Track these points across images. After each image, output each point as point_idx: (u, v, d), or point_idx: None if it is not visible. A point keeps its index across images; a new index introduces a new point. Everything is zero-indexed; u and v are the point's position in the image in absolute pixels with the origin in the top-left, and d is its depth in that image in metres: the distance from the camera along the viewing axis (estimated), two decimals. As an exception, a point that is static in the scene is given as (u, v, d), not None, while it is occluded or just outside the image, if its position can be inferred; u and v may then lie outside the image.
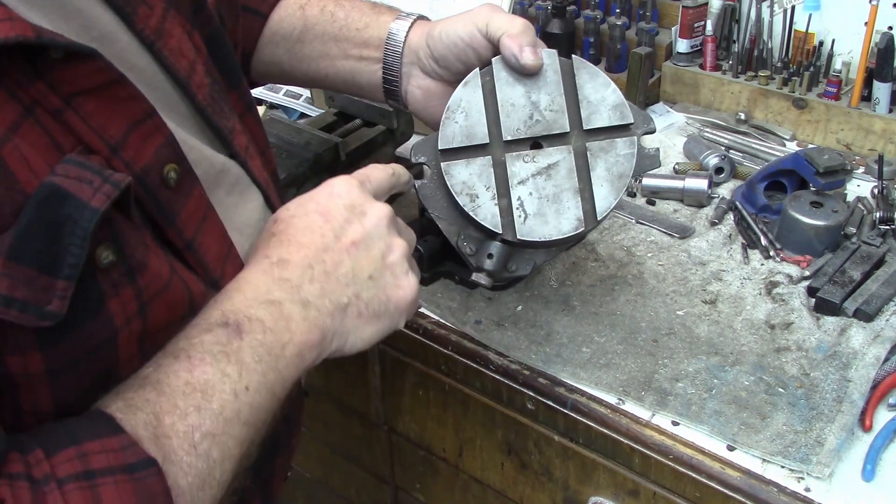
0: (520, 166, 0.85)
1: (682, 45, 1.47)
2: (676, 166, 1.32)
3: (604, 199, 0.85)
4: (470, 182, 0.85)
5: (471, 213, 0.84)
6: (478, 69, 0.87)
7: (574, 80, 0.86)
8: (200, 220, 0.67)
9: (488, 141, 0.85)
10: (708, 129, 1.41)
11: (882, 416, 0.90)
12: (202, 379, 0.59)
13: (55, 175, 0.53)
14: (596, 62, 1.54)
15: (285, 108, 1.54)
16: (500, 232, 0.84)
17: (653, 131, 0.88)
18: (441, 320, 1.05)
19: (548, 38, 1.51)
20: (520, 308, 1.06)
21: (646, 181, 1.26)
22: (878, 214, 1.15)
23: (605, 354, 0.98)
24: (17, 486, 0.51)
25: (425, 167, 0.87)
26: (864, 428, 0.89)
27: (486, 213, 0.84)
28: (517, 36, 0.84)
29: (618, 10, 1.52)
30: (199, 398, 0.59)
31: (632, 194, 1.27)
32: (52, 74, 0.55)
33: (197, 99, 0.71)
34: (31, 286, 0.51)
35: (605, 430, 0.93)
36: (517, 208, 0.84)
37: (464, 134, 0.85)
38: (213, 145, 0.74)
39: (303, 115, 1.52)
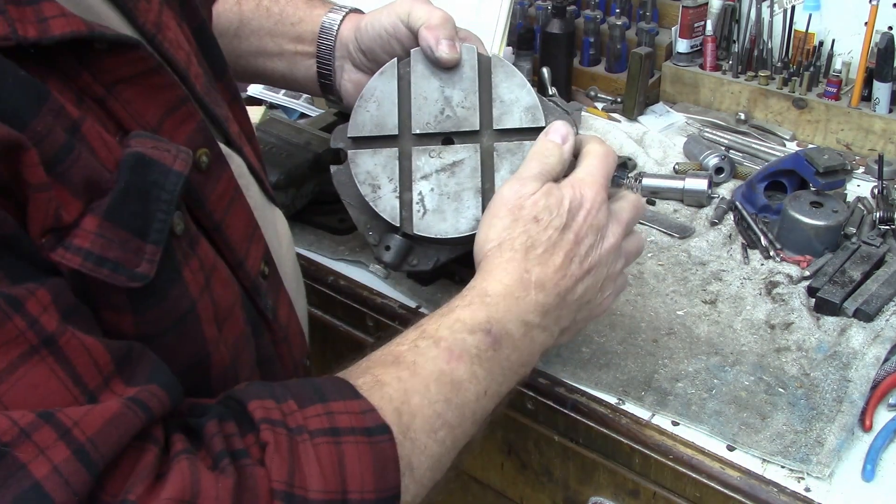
0: (425, 161, 0.83)
1: (682, 45, 1.47)
2: (676, 166, 1.31)
3: None
4: (374, 172, 0.83)
5: (371, 204, 0.83)
6: (395, 59, 0.86)
7: (490, 79, 0.85)
8: (229, 203, 0.69)
9: (397, 133, 0.84)
10: (708, 129, 1.41)
11: (882, 416, 0.90)
12: (457, 374, 0.65)
13: (132, 147, 0.55)
14: (596, 62, 1.54)
15: (285, 108, 1.54)
16: (399, 225, 0.83)
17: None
18: (441, 320, 1.05)
19: (548, 38, 1.51)
20: (520, 308, 1.06)
21: (646, 181, 1.26)
22: (878, 214, 1.15)
23: (605, 354, 0.98)
24: (277, 433, 0.56)
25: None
26: (864, 428, 0.89)
27: (387, 205, 0.83)
28: (435, 28, 0.84)
29: (618, 10, 1.52)
30: (449, 390, 0.64)
31: (632, 194, 1.27)
32: (95, 65, 0.56)
33: (196, 89, 0.71)
34: (124, 248, 0.54)
35: (605, 431, 0.93)
36: (417, 203, 0.83)
37: (374, 123, 0.84)
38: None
39: (303, 115, 1.52)
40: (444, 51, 0.83)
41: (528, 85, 0.85)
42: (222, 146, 0.75)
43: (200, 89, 0.72)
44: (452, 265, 1.09)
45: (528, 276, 0.73)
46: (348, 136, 0.85)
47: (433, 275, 1.09)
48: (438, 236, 0.83)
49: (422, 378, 0.63)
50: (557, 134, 0.80)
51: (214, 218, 0.67)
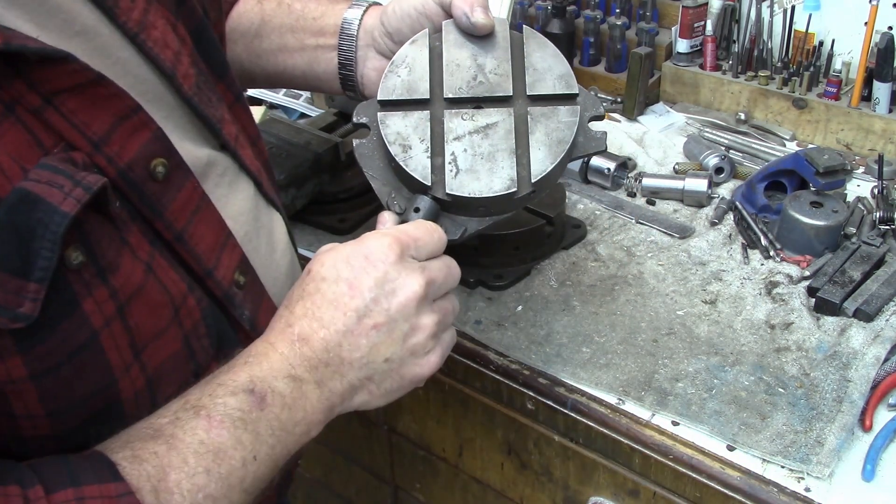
0: (457, 123, 0.83)
1: (682, 45, 1.47)
2: (676, 166, 1.31)
3: (540, 162, 0.82)
4: (405, 133, 0.83)
5: (401, 164, 0.81)
6: (427, 30, 0.87)
7: (523, 49, 0.86)
8: (193, 212, 0.68)
9: (429, 97, 0.84)
10: (708, 129, 1.41)
11: (882, 416, 0.90)
12: (217, 441, 0.60)
13: (27, 180, 0.54)
14: (596, 62, 1.54)
15: (285, 108, 1.54)
16: (430, 185, 0.81)
17: (601, 116, 0.86)
18: (441, 320, 1.05)
19: (548, 39, 1.51)
20: (520, 308, 1.06)
21: (646, 181, 1.26)
22: (878, 214, 1.15)
23: (605, 354, 0.98)
24: None
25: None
26: (864, 428, 0.89)
27: (418, 164, 0.82)
28: None
29: (618, 10, 1.52)
30: (210, 460, 0.60)
31: (632, 194, 1.27)
32: (30, 74, 0.55)
33: (183, 89, 0.71)
34: (3, 289, 0.52)
35: (605, 430, 0.93)
36: (450, 163, 0.81)
37: (405, 87, 0.84)
38: (202, 135, 0.74)
39: (303, 115, 1.52)
40: (479, 16, 0.84)
41: (561, 56, 0.86)
42: (209, 150, 0.74)
43: (189, 90, 0.71)
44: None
45: (290, 329, 0.68)
46: (378, 98, 0.84)
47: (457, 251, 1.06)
48: (472, 195, 0.81)
49: (179, 451, 0.59)
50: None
51: (175, 228, 0.66)
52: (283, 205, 0.89)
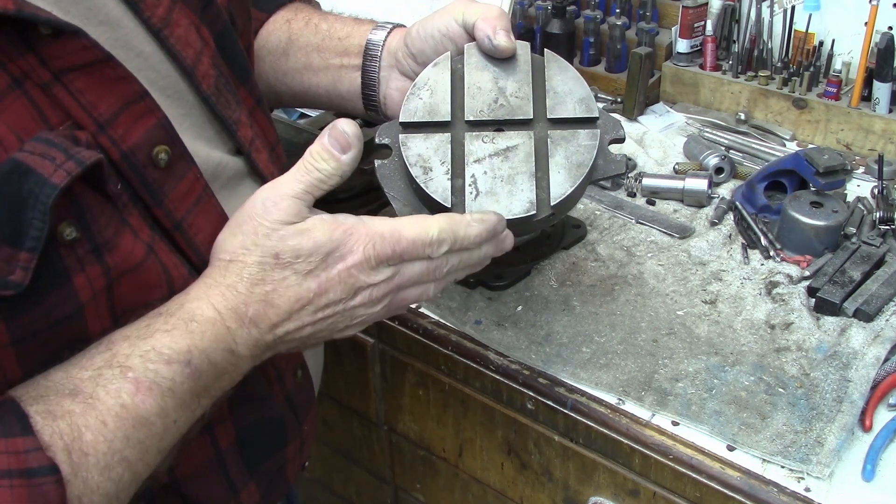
0: (478, 146, 0.84)
1: (682, 45, 1.47)
2: (676, 166, 1.31)
3: (560, 185, 0.83)
4: (426, 155, 0.83)
5: (422, 185, 0.82)
6: (449, 52, 0.87)
7: (544, 73, 0.87)
8: (194, 203, 0.69)
9: (450, 119, 0.85)
10: (708, 129, 1.41)
11: (882, 416, 0.90)
12: (141, 408, 0.59)
13: (22, 151, 0.54)
14: (596, 62, 1.54)
15: (285, 108, 1.54)
16: (450, 207, 0.82)
17: (622, 139, 0.87)
18: (441, 320, 1.05)
19: (548, 38, 1.51)
20: (520, 308, 1.06)
21: (646, 181, 1.26)
22: (878, 214, 1.15)
23: (605, 354, 0.98)
24: None
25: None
26: (864, 428, 0.89)
27: (438, 186, 0.82)
28: (492, 19, 0.85)
29: (618, 10, 1.52)
30: (130, 425, 0.58)
31: (632, 194, 1.27)
32: (42, 49, 0.56)
33: (201, 87, 0.72)
34: None
35: (605, 430, 0.93)
36: (469, 185, 0.82)
37: (426, 110, 0.85)
38: (219, 136, 0.75)
39: (303, 115, 1.52)
40: (502, 39, 0.84)
41: (582, 79, 0.87)
42: (222, 153, 0.75)
43: (207, 89, 0.72)
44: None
45: (244, 309, 0.65)
46: (400, 121, 0.85)
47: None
48: None
49: (98, 413, 0.57)
50: (336, 140, 0.69)
51: (174, 216, 0.66)
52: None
